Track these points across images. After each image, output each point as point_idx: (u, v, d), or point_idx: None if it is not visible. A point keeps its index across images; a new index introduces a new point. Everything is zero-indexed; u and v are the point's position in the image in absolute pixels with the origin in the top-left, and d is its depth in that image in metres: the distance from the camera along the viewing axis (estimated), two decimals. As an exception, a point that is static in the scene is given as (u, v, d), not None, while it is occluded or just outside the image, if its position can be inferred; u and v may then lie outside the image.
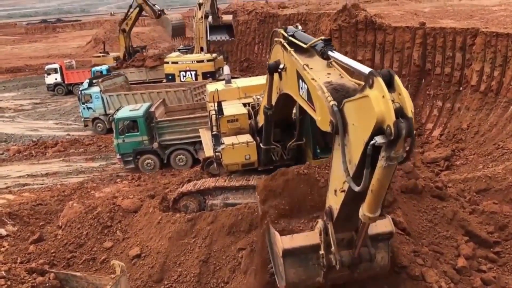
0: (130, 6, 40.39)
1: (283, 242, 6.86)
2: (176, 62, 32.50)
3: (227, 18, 37.66)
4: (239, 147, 12.33)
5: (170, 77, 32.81)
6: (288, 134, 11.91)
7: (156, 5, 39.40)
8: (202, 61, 31.76)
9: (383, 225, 7.03)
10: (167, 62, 33.19)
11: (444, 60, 22.91)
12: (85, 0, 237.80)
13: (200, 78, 31.21)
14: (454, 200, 12.95)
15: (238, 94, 13.63)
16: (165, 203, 13.35)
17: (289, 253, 6.86)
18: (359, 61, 25.63)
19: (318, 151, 12.07)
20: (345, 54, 26.27)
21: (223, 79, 15.35)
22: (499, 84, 20.21)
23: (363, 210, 5.60)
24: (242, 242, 10.81)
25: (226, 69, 16.35)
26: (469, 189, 14.52)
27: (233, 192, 12.64)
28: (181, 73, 32.00)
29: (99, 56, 43.19)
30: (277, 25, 38.77)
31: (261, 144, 11.96)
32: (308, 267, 6.89)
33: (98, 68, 38.21)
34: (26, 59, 62.39)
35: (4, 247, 13.98)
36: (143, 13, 40.29)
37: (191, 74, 31.80)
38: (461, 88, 22.23)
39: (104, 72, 36.66)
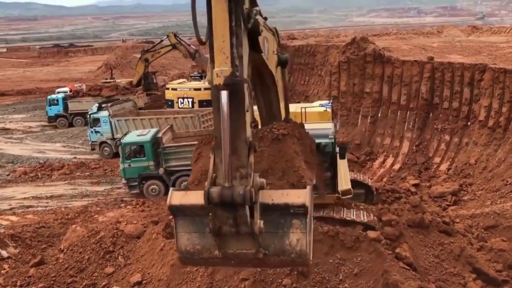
0: (161, 40, 41.21)
1: (172, 197, 5.66)
2: (175, 89, 32.99)
3: None
4: None
5: (169, 102, 33.27)
6: None
7: (191, 45, 39.84)
8: (199, 89, 32.18)
9: (296, 195, 5.56)
10: (168, 88, 33.73)
11: (452, 95, 23.00)
12: (98, 26, 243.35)
13: (196, 105, 31.54)
14: (462, 236, 12.75)
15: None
16: (169, 229, 13.21)
17: (179, 212, 5.72)
18: (367, 93, 25.94)
19: None
20: (353, 86, 26.51)
21: None
22: (507, 120, 20.21)
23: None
24: (245, 272, 10.62)
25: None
26: (477, 225, 14.31)
27: (237, 221, 12.54)
28: (179, 99, 32.40)
29: (109, 82, 43.77)
30: (286, 56, 39.21)
31: None
32: (205, 235, 5.62)
33: (54, 96, 38.95)
34: (37, 82, 63.38)
35: (4, 269, 13.84)
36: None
37: (188, 101, 32.16)
38: (469, 123, 22.23)
39: (60, 100, 37.32)
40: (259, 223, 5.27)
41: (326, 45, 35.15)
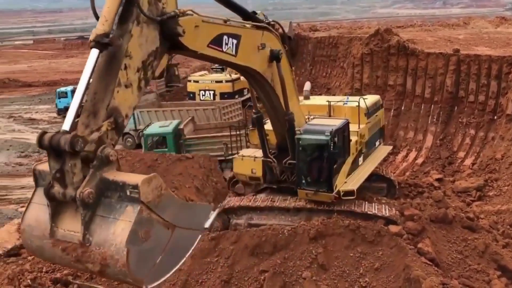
0: None
1: (41, 162, 5.69)
2: (197, 81, 33.17)
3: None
4: (247, 160, 12.85)
5: (191, 95, 33.46)
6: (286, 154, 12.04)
7: None
8: (221, 81, 32.29)
9: (138, 177, 5.31)
10: (190, 80, 33.95)
11: (478, 88, 22.47)
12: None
13: (218, 98, 31.63)
14: (486, 232, 12.50)
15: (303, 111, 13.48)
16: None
17: (41, 179, 5.55)
18: (390, 86, 25.52)
19: (304, 181, 11.82)
20: (376, 78, 26.13)
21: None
22: (536, 114, 19.65)
23: None
24: (265, 264, 10.66)
25: (307, 86, 16.20)
26: (502, 222, 14.02)
27: (258, 213, 12.55)
28: (201, 92, 32.59)
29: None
30: (308, 48, 38.92)
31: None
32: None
33: (63, 89, 39.23)
34: (62, 73, 64.35)
35: (31, 255, 14.21)
36: None
37: (209, 94, 32.30)
38: (495, 117, 21.69)
39: (69, 93, 37.46)
40: (86, 189, 5.08)
41: (349, 37, 34.68)
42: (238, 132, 18.52)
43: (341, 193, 11.63)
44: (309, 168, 11.72)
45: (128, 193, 5.20)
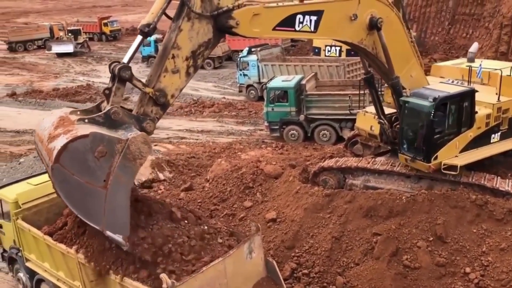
0: None
1: None
2: None
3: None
4: (368, 116, 12.91)
5: (316, 50, 32.73)
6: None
7: None
8: None
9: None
10: None
11: None
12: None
13: (343, 54, 30.52)
14: None
15: (457, 75, 12.79)
16: (305, 174, 13.53)
17: None
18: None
19: (405, 146, 11.32)
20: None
21: None
22: None
23: None
24: (378, 228, 10.48)
25: (474, 47, 15.06)
26: None
27: (376, 176, 12.25)
28: (327, 47, 31.72)
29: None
30: (448, 4, 35.58)
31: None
32: None
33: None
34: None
35: (160, 189, 15.79)
36: None
37: (335, 50, 31.32)
38: None
39: (152, 42, 38.23)
40: (116, 108, 7.42)
41: (500, -7, 30.76)
42: (363, 92, 17.91)
43: (442, 166, 10.75)
44: (410, 133, 11.19)
45: (128, 133, 7.12)
